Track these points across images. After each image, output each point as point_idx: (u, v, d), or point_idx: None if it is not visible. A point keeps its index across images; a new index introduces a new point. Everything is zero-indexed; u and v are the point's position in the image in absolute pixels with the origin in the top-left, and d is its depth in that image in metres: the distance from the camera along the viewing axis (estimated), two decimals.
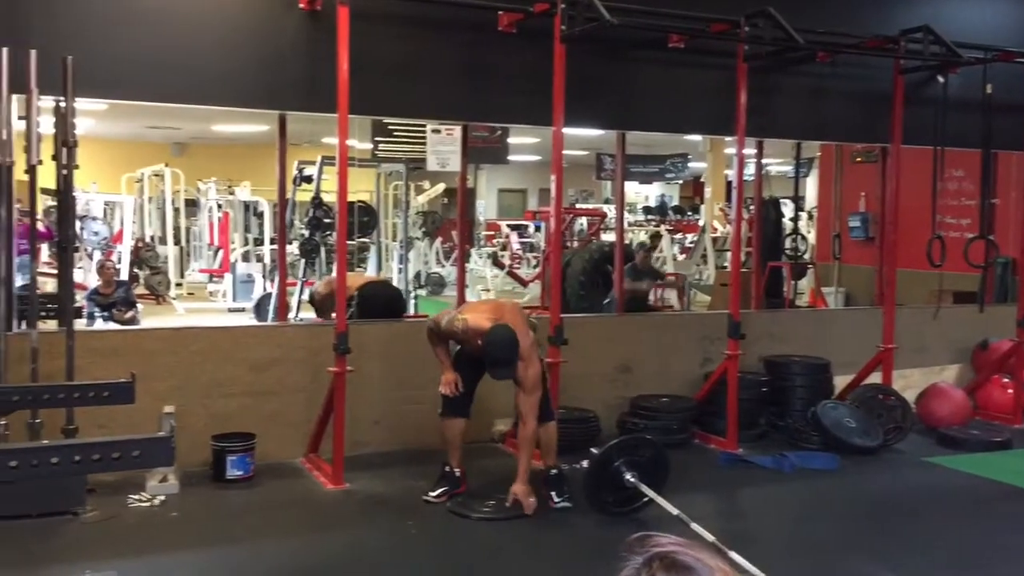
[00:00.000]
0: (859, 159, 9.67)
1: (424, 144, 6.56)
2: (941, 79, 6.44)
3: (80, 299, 7.70)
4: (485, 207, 20.47)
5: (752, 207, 9.11)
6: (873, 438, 5.80)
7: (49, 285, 7.64)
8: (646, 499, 4.41)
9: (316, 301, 6.95)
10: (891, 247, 6.59)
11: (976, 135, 6.59)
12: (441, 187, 13.39)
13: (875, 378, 6.38)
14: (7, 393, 3.10)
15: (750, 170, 7.94)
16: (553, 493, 4.68)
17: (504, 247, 15.46)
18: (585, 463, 4.73)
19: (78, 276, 8.56)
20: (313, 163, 9.16)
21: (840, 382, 6.51)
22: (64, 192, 4.70)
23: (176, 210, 14.14)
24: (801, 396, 6.21)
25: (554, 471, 4.75)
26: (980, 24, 6.83)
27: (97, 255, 10.48)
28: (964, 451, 5.87)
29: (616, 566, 1.15)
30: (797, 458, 5.48)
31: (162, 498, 4.59)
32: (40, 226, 6.09)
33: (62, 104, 4.56)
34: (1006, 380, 6.80)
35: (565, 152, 5.43)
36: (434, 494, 4.71)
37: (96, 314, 7.95)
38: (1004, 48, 6.61)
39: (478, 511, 4.57)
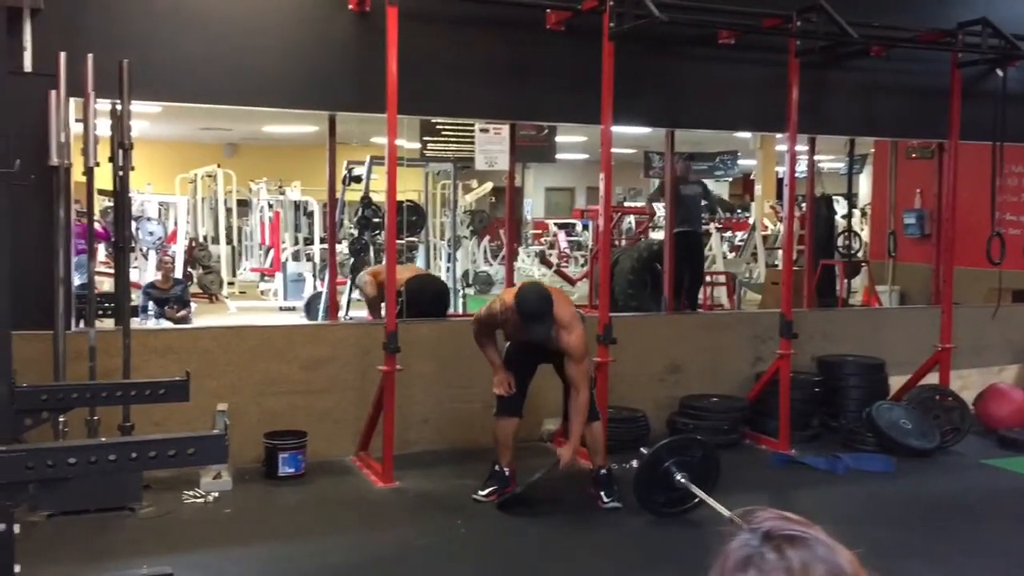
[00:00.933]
0: (914, 155, 9.47)
1: (472, 143, 6.58)
2: (1000, 72, 6.29)
3: (136, 294, 7.86)
4: (532, 206, 20.45)
5: (804, 204, 8.98)
6: (930, 440, 5.68)
7: (106, 284, 7.81)
8: (697, 500, 4.37)
9: (366, 299, 7.00)
10: (948, 244, 6.45)
11: None
12: (489, 186, 13.41)
13: (932, 378, 6.25)
14: (67, 391, 3.17)
15: (802, 167, 7.83)
16: (602, 493, 4.65)
17: (552, 246, 15.43)
18: (635, 463, 4.70)
19: (133, 275, 8.72)
20: (362, 163, 9.23)
21: (895, 382, 6.39)
22: (121, 193, 4.78)
23: (228, 210, 14.34)
24: (855, 396, 6.12)
25: (603, 471, 4.72)
26: None
27: (152, 255, 10.67)
28: None
29: (720, 541, 1.11)
30: (851, 460, 5.39)
31: (216, 495, 4.66)
32: (97, 226, 6.21)
33: (118, 107, 4.64)
34: None
35: (613, 150, 5.40)
36: (483, 493, 4.72)
37: (150, 309, 8.10)
38: None
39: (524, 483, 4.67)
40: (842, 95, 6.50)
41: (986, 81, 6.42)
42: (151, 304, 8.13)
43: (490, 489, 4.73)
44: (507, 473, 4.79)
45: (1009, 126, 6.31)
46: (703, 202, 9.24)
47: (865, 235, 11.80)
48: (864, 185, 12.93)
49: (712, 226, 13.56)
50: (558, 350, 4.59)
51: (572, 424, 4.62)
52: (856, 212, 11.27)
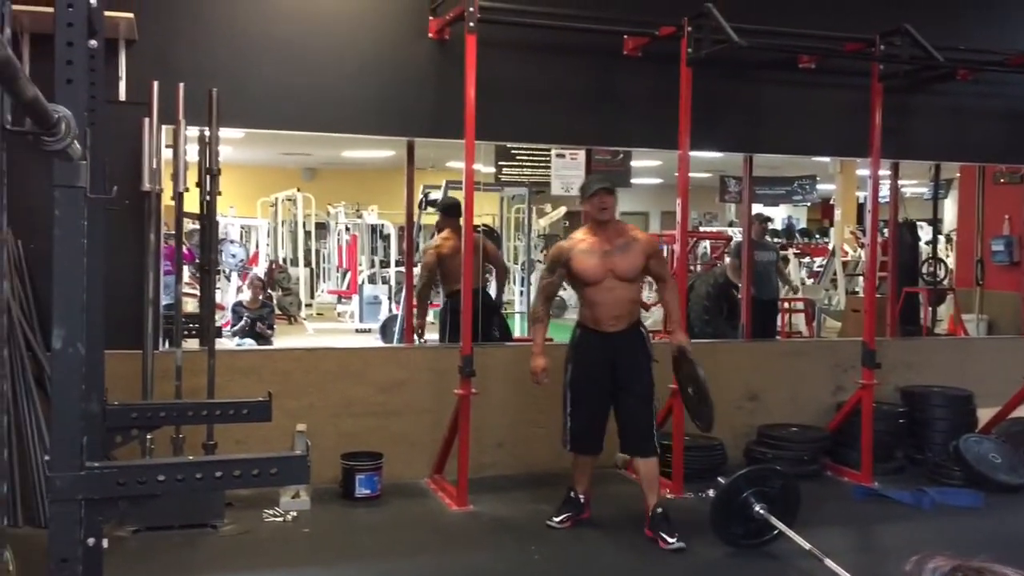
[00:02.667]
0: (1003, 180, 9.18)
1: (546, 167, 6.60)
2: None
3: (221, 315, 8.10)
4: None
5: (887, 230, 8.77)
6: (1020, 475, 5.47)
7: (189, 305, 8.04)
8: (776, 532, 4.28)
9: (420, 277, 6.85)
10: None
11: None
12: (563, 210, 13.42)
13: (1022, 411, 6.02)
14: (155, 409, 3.25)
15: (884, 192, 7.65)
16: (663, 535, 4.41)
17: None
18: (712, 492, 4.63)
19: (216, 297, 8.97)
20: (438, 187, 9.33)
21: (984, 415, 6.17)
22: (208, 217, 4.92)
23: (307, 233, 14.62)
24: (942, 429, 5.93)
25: (659, 510, 4.51)
26: None
27: (235, 277, 10.94)
28: None
29: None
30: (938, 494, 5.22)
31: (294, 514, 4.73)
32: (183, 249, 6.40)
33: (206, 133, 4.79)
34: None
35: (688, 175, 5.36)
36: (557, 520, 4.69)
37: (237, 327, 8.34)
38: None
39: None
40: (927, 119, 6.35)
41: None
42: (242, 321, 8.37)
43: (564, 516, 4.70)
44: (582, 500, 4.75)
45: None
46: (776, 267, 9.03)
47: (951, 262, 11.46)
48: (949, 211, 12.57)
49: (790, 252, 13.33)
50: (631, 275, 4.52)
51: (673, 315, 4.76)
52: (941, 238, 10.96)
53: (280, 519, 4.68)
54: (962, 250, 10.49)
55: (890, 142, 5.81)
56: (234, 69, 5.08)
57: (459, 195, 5.52)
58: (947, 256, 11.68)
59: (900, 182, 7.93)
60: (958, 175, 10.37)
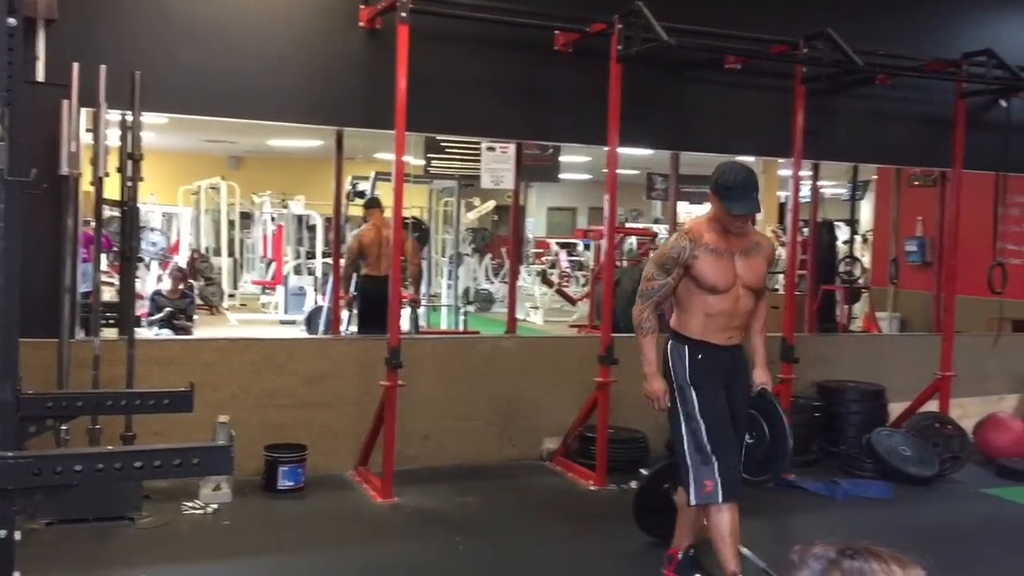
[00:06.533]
0: (917, 183, 9.51)
1: (475, 161, 6.62)
2: (1004, 103, 6.34)
3: (140, 304, 7.91)
4: (534, 225, 20.49)
5: (806, 229, 9.01)
6: (929, 467, 5.68)
7: (107, 294, 7.84)
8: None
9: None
10: (950, 273, 6.47)
11: None
12: (492, 204, 13.45)
13: (931, 406, 6.25)
14: (71, 399, 3.17)
15: (804, 192, 7.86)
16: None
17: (553, 265, 15.46)
18: (635, 484, 4.70)
19: (136, 285, 8.77)
20: (366, 178, 9.27)
21: (895, 409, 6.39)
22: (129, 203, 4.81)
23: (231, 222, 14.38)
24: (855, 423, 6.11)
25: (691, 551, 3.93)
26: None
27: (155, 265, 10.70)
28: (1023, 483, 5.72)
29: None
30: (850, 486, 5.39)
31: (215, 506, 4.66)
32: (102, 235, 6.24)
33: (128, 118, 4.67)
34: None
35: (616, 171, 5.43)
36: None
37: (155, 317, 8.15)
38: None
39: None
40: (846, 122, 6.54)
41: (990, 111, 6.46)
42: (157, 313, 8.19)
43: None
44: None
45: (1012, 156, 6.34)
46: None
47: (866, 261, 11.83)
48: (866, 211, 12.96)
49: None
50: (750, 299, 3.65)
51: (758, 345, 3.86)
52: (858, 238, 11.29)
53: (200, 511, 4.60)
54: (877, 250, 10.83)
55: (811, 143, 5.96)
56: (158, 52, 4.96)
57: (388, 187, 5.49)
58: (863, 256, 12.05)
59: (820, 183, 8.15)
60: (875, 177, 10.70)
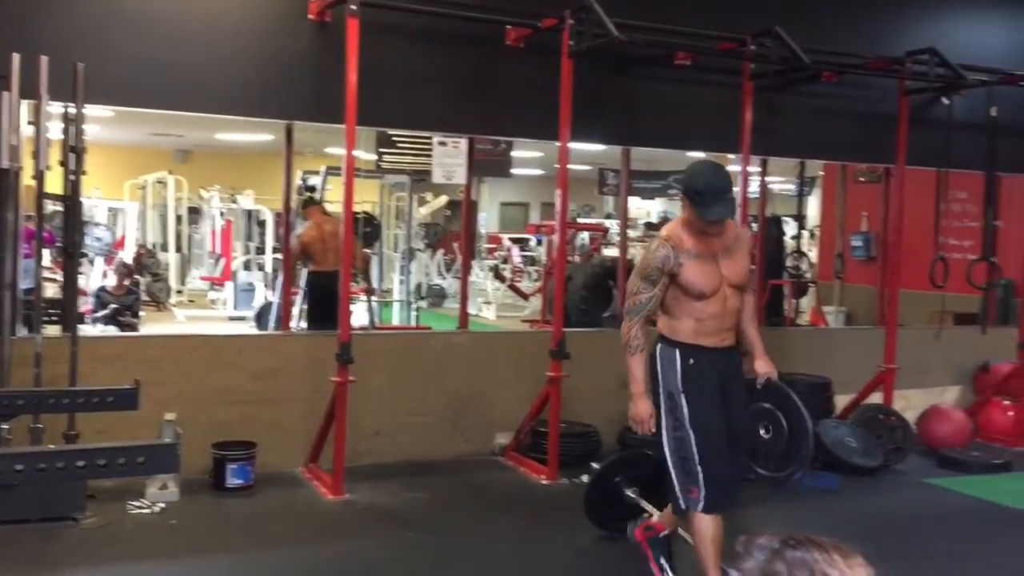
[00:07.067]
0: (862, 179, 9.69)
1: (427, 156, 6.59)
2: (946, 101, 6.48)
3: (83, 300, 7.76)
4: (487, 220, 20.49)
5: (755, 225, 9.13)
6: (874, 458, 5.79)
7: (50, 290, 7.67)
8: (647, 515, 4.40)
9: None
10: (894, 267, 6.60)
11: (980, 157, 6.62)
12: (444, 199, 13.42)
13: (876, 398, 6.38)
14: (12, 397, 3.10)
15: (753, 188, 7.96)
16: None
17: (505, 260, 15.48)
18: (586, 478, 4.73)
19: (79, 281, 8.60)
20: (317, 173, 9.18)
21: (841, 401, 6.50)
22: (72, 198, 4.71)
23: (179, 217, 14.16)
24: None
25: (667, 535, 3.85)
26: (985, 47, 6.85)
27: (99, 261, 10.50)
28: (964, 473, 5.86)
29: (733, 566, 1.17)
30: (797, 476, 5.47)
31: (162, 505, 4.59)
32: (44, 231, 6.11)
33: (71, 110, 4.57)
34: (1007, 402, 6.80)
35: (569, 166, 5.44)
36: None
37: (100, 314, 8.00)
38: (1009, 71, 6.64)
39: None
40: (794, 118, 6.63)
41: (932, 109, 6.60)
42: (102, 309, 8.04)
43: None
44: None
45: (954, 153, 6.49)
46: None
47: (813, 256, 12.03)
48: (813, 207, 13.17)
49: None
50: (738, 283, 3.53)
51: (753, 335, 3.77)
52: (805, 233, 11.47)
53: (146, 511, 4.53)
54: (824, 245, 11.02)
55: (760, 139, 6.04)
56: (102, 43, 4.86)
57: (339, 181, 5.45)
58: (810, 251, 12.26)
59: (768, 178, 8.26)
60: (822, 173, 10.88)
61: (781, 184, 13.67)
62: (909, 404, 6.66)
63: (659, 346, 3.58)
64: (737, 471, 3.62)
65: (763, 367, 3.74)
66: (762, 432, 3.71)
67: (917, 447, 6.21)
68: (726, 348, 3.58)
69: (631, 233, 14.98)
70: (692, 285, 3.45)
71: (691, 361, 3.50)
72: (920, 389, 6.97)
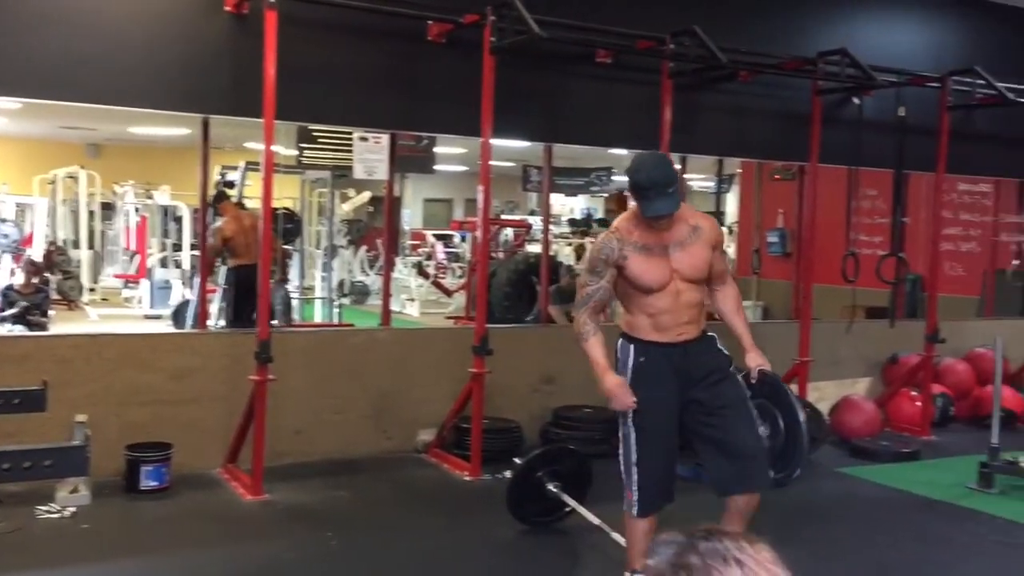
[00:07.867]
0: (778, 176, 9.93)
1: (349, 152, 6.52)
2: (857, 101, 6.66)
3: None
4: (410, 216, 20.39)
5: None
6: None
7: None
8: (568, 509, 4.44)
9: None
10: (807, 263, 6.77)
11: (889, 155, 6.83)
12: (367, 195, 13.31)
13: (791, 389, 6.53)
14: None
15: None
16: None
17: (429, 257, 15.43)
18: (508, 473, 4.74)
19: None
20: (236, 168, 9.02)
21: None
22: None
23: (91, 213, 13.76)
24: None
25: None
26: (894, 48, 7.07)
27: (7, 258, 10.14)
28: (875, 462, 6.04)
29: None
30: None
31: (73, 509, 4.45)
32: None
33: None
34: (914, 393, 7.03)
35: (491, 163, 5.45)
36: None
37: (7, 313, 7.75)
38: (917, 72, 6.87)
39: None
40: (712, 117, 6.74)
41: (844, 108, 6.79)
42: (9, 308, 7.78)
43: None
44: None
45: (864, 151, 6.68)
46: None
47: (731, 252, 12.29)
48: (731, 204, 13.45)
49: (587, 240, 13.81)
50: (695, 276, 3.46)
51: (740, 328, 3.75)
52: (724, 230, 11.70)
53: (56, 515, 4.39)
54: (741, 241, 11.27)
55: (679, 137, 6.13)
56: (7, 32, 4.68)
57: (258, 177, 5.35)
58: (728, 246, 12.51)
59: (688, 175, 8.39)
60: (739, 171, 11.12)
61: (700, 182, 13.92)
62: (822, 395, 6.84)
63: (619, 342, 3.54)
64: (750, 445, 3.47)
65: (754, 360, 3.66)
66: (762, 430, 3.63)
67: (830, 437, 6.38)
68: (684, 342, 3.48)
69: (554, 230, 15.10)
70: (638, 279, 3.40)
71: (642, 359, 3.46)
72: (833, 381, 7.16)
